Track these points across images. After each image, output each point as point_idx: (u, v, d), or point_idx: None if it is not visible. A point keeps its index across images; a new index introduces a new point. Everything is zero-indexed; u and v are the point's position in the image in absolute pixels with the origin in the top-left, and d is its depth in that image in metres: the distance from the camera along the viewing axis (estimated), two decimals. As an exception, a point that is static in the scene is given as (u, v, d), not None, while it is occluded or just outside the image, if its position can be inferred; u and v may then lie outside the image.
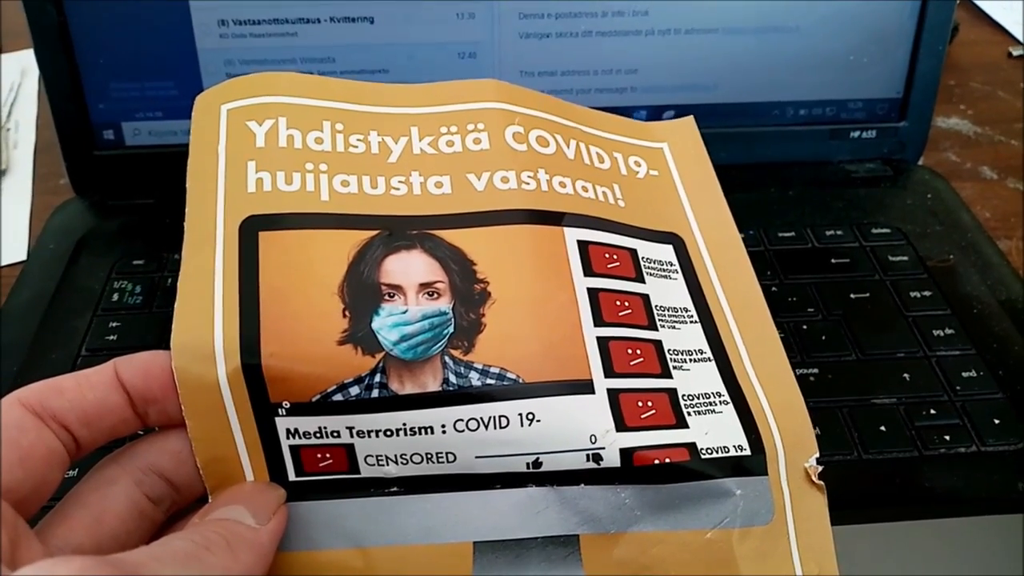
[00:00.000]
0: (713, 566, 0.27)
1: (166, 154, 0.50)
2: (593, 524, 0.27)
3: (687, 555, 0.27)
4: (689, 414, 0.28)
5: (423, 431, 0.26)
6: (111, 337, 0.42)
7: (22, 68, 0.66)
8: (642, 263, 0.32)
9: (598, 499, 0.27)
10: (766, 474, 0.28)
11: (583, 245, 0.30)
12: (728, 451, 0.28)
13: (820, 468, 0.29)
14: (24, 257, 0.50)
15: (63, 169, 0.50)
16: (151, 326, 0.43)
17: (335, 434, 0.26)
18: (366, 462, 0.26)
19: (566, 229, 0.30)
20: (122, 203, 0.51)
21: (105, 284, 0.45)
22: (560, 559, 0.27)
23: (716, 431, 0.28)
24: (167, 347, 0.26)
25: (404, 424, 0.26)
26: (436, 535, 0.26)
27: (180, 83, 0.49)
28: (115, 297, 0.44)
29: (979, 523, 0.35)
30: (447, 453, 0.26)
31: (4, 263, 0.50)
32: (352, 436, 0.26)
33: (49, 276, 0.46)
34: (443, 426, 0.26)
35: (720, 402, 0.29)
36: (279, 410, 0.25)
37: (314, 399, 0.25)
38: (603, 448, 0.26)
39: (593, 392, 0.27)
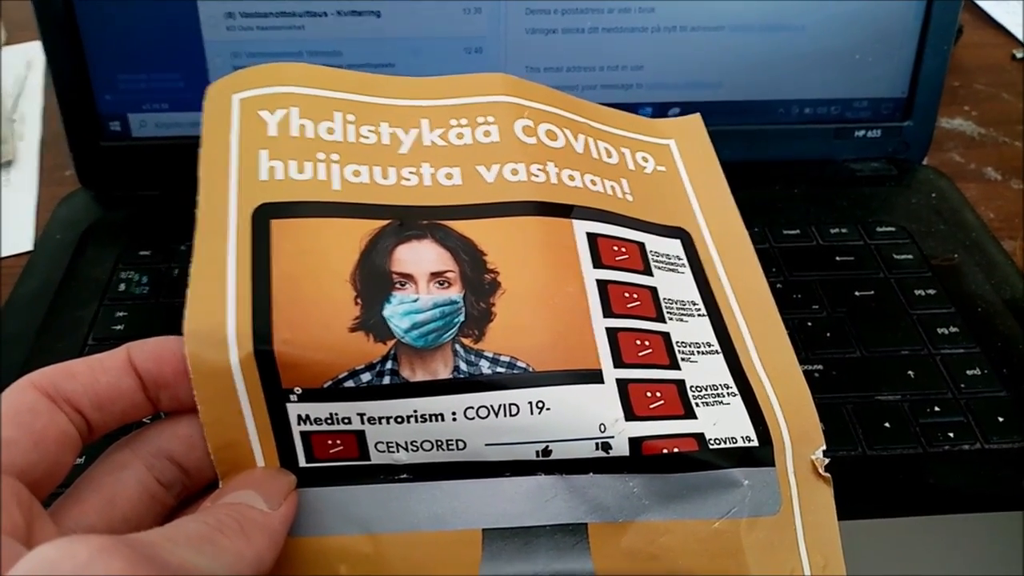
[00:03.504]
0: (720, 556, 0.27)
1: (172, 146, 0.50)
2: (601, 513, 0.27)
3: (695, 544, 0.27)
4: (697, 405, 0.28)
5: (433, 418, 0.26)
6: (118, 327, 0.42)
7: (28, 60, 0.66)
8: (650, 256, 0.32)
9: (607, 488, 0.27)
10: (773, 465, 0.28)
11: (592, 237, 0.30)
12: (736, 442, 0.28)
13: (827, 460, 0.29)
14: (30, 248, 0.50)
15: (69, 161, 0.51)
16: (157, 315, 0.43)
17: (346, 420, 0.26)
18: (376, 449, 0.26)
19: (575, 221, 0.30)
20: (128, 194, 0.51)
21: (111, 274, 0.45)
22: (568, 548, 0.27)
23: (724, 422, 0.28)
24: (177, 334, 0.26)
25: (415, 411, 0.26)
26: (445, 522, 0.26)
27: (186, 75, 0.49)
28: (121, 287, 0.45)
29: (982, 520, 0.35)
30: (457, 440, 0.26)
31: (10, 253, 0.50)
32: (363, 423, 0.26)
33: (55, 266, 0.46)
34: (453, 413, 0.26)
35: (728, 394, 0.29)
36: (290, 396, 0.26)
37: (325, 385, 0.26)
38: (612, 437, 0.27)
39: (602, 382, 0.27)
